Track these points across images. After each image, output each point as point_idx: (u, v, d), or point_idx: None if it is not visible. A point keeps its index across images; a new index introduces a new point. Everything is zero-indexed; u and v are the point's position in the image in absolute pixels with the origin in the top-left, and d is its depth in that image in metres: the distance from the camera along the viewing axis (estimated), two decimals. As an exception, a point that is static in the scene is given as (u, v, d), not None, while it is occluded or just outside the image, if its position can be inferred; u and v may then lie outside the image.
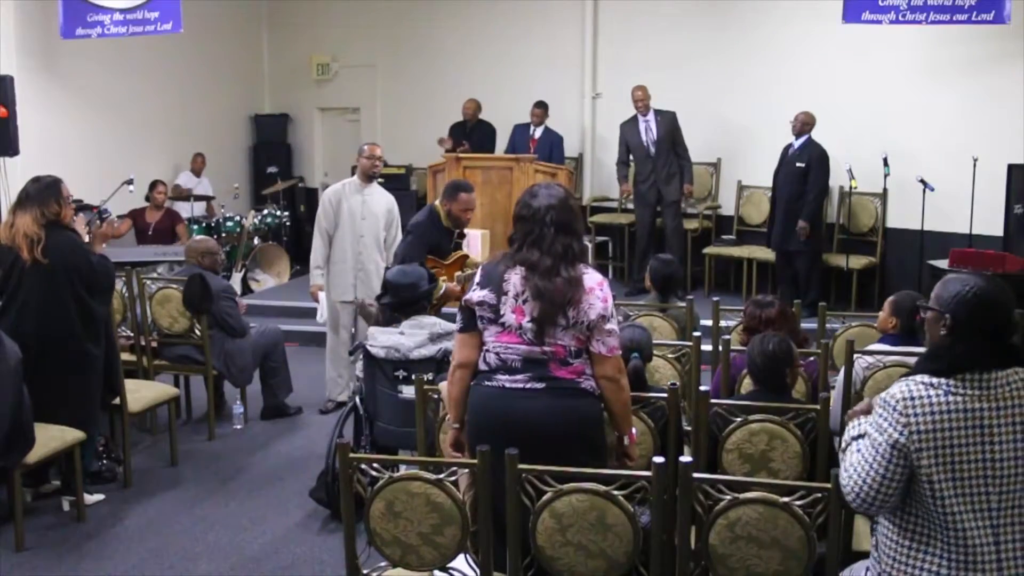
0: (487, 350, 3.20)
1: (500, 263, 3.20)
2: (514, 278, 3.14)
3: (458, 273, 5.66)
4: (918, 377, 2.46)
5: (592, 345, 3.13)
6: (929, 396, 2.41)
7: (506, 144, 9.44)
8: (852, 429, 2.64)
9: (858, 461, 2.50)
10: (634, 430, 3.31)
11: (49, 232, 4.58)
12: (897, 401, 2.43)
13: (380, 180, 6.52)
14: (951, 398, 2.40)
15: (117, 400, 5.07)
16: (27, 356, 4.34)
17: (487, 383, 3.19)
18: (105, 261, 4.83)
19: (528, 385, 3.12)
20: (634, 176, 8.90)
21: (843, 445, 2.64)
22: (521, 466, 2.80)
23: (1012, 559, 2.41)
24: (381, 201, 6.41)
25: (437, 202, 5.73)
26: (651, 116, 8.66)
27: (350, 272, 6.29)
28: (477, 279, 3.24)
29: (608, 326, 3.12)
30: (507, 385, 3.14)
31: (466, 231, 5.99)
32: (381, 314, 4.89)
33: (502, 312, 3.14)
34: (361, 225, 6.28)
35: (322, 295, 6.31)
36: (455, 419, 3.33)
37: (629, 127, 8.78)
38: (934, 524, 2.44)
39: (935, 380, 2.43)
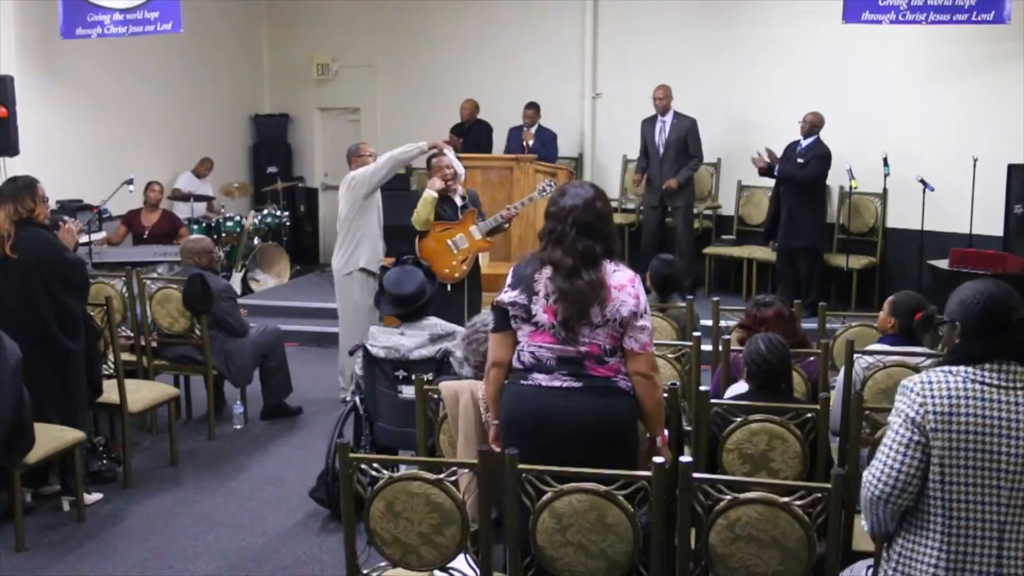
0: (521, 349, 3.19)
1: (529, 264, 3.21)
2: (544, 278, 3.14)
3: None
4: (938, 368, 2.53)
5: (625, 342, 3.13)
6: (947, 381, 2.46)
7: (503, 147, 9.44)
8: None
9: (881, 451, 2.52)
10: (666, 432, 3.31)
11: (20, 229, 4.59)
12: (915, 384, 2.49)
13: None
14: (970, 384, 2.45)
15: (100, 398, 5.05)
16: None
17: (523, 382, 3.18)
18: (78, 259, 4.81)
19: (565, 384, 3.12)
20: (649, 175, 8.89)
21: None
22: (521, 466, 2.80)
23: (1013, 557, 2.41)
24: None
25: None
26: (668, 117, 8.65)
27: (380, 244, 6.48)
28: (508, 280, 3.24)
29: (640, 322, 3.12)
30: (543, 384, 3.14)
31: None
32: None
33: (534, 312, 3.14)
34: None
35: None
36: (495, 416, 3.32)
37: (647, 125, 8.78)
38: (936, 515, 2.44)
39: (954, 368, 2.49)
